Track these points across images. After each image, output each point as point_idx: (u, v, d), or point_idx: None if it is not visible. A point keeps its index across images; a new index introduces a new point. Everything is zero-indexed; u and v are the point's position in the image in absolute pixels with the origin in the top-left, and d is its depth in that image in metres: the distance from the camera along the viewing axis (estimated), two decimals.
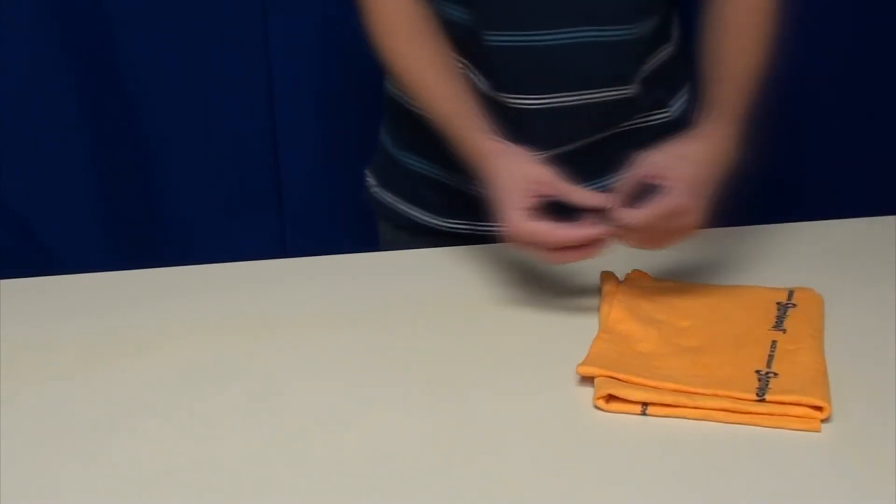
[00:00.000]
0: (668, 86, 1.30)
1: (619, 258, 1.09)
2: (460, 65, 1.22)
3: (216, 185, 1.73)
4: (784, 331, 1.02)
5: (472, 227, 1.29)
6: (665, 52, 1.27)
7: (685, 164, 1.03)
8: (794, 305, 1.06)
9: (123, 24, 1.61)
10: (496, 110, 1.20)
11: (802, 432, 0.88)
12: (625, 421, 0.90)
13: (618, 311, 1.04)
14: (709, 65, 1.14)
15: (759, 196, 1.81)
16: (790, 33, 1.13)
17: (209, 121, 1.68)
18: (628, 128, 1.26)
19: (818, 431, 0.88)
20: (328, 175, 1.73)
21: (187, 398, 0.96)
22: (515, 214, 1.04)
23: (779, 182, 1.82)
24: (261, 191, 1.73)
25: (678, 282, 1.13)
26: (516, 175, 1.06)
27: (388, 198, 1.35)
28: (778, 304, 1.06)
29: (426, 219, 1.32)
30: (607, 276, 1.12)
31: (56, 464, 0.87)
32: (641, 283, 1.11)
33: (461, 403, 0.93)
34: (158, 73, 1.65)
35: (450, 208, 1.30)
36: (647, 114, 1.27)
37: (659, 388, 0.91)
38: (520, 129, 1.20)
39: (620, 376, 0.92)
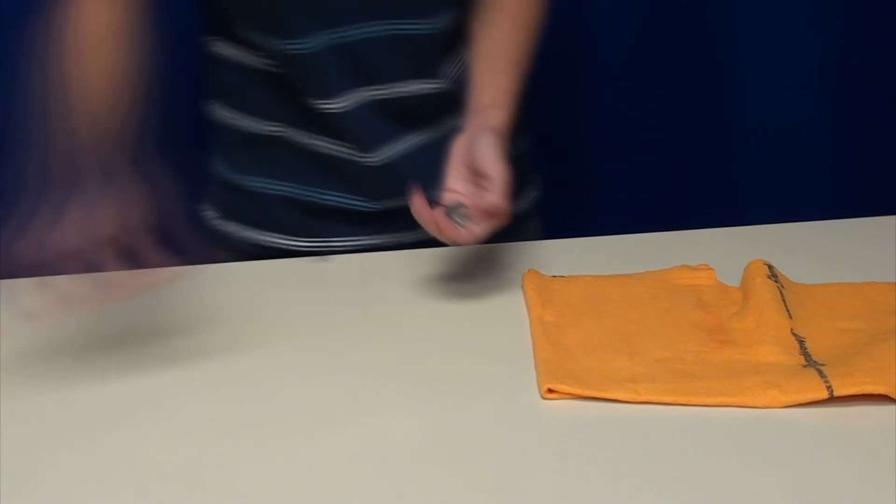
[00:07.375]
0: None
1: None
2: (277, 84, 1.21)
3: None
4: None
5: (329, 245, 1.28)
6: None
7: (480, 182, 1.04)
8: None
9: None
10: (321, 124, 1.21)
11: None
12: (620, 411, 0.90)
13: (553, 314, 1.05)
14: (474, 45, 1.19)
15: (758, 196, 1.82)
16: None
17: (207, 121, 1.68)
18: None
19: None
20: None
21: (187, 398, 0.96)
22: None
23: (778, 182, 1.82)
24: None
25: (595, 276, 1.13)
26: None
27: (232, 227, 1.33)
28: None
29: (278, 241, 1.30)
30: (530, 280, 1.12)
31: (56, 463, 0.87)
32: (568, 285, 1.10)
33: (460, 403, 0.94)
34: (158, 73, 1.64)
35: (304, 226, 1.29)
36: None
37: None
38: (340, 135, 1.21)
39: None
